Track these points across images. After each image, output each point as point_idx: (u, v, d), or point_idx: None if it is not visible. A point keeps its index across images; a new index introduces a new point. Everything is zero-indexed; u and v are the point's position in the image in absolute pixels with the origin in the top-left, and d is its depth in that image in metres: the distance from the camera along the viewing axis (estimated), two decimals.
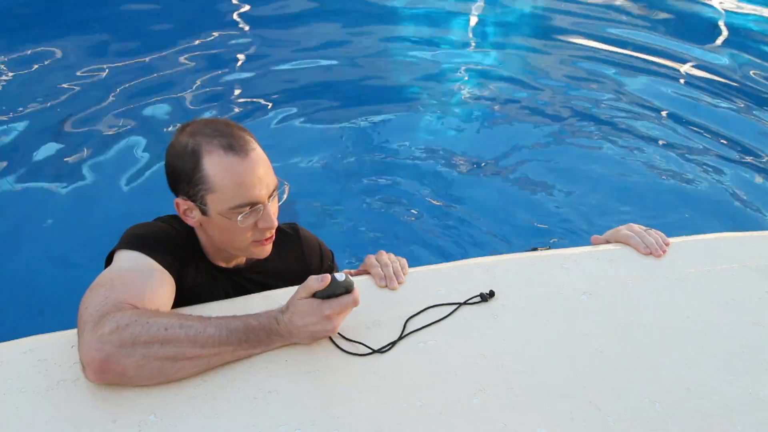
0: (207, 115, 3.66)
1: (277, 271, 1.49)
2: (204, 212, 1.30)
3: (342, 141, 3.62)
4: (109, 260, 1.30)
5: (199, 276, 1.40)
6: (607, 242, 1.67)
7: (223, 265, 1.45)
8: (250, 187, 1.26)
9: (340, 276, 1.17)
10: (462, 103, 4.19)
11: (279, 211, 1.37)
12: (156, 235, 1.33)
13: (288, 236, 1.57)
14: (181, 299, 1.31)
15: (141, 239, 1.30)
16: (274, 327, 1.18)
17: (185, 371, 1.13)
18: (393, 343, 1.26)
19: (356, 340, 1.26)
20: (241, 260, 1.48)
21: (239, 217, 1.27)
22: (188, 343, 1.11)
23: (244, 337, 1.16)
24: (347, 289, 1.17)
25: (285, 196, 1.38)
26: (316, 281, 1.16)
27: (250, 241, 1.33)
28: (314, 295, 1.16)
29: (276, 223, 1.33)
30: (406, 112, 3.94)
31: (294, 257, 1.56)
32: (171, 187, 1.34)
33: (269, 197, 1.30)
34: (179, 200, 1.32)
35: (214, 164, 1.25)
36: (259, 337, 1.18)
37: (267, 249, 1.38)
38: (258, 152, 1.29)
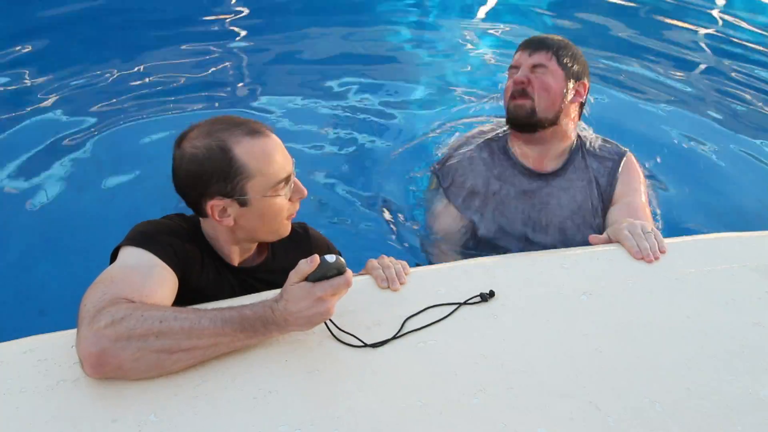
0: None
1: (285, 269, 1.48)
2: (243, 203, 1.31)
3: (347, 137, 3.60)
4: (114, 257, 1.31)
5: (205, 274, 1.40)
6: (608, 240, 1.67)
7: (232, 262, 1.45)
8: (282, 162, 1.33)
9: (330, 257, 1.17)
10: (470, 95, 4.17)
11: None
12: (162, 233, 1.33)
13: (297, 235, 1.58)
14: (187, 296, 1.32)
15: (146, 236, 1.30)
16: (270, 316, 1.18)
17: (182, 363, 1.13)
18: (387, 341, 1.27)
19: (352, 333, 1.26)
20: (249, 257, 1.49)
21: (284, 192, 1.33)
22: (183, 334, 1.11)
23: (240, 327, 1.16)
24: (339, 270, 1.17)
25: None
26: (306, 263, 1.17)
27: (285, 218, 1.38)
28: (307, 279, 1.17)
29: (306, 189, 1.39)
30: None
31: (302, 256, 1.56)
32: (196, 195, 1.32)
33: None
34: (214, 202, 1.30)
35: (247, 151, 1.28)
36: (255, 327, 1.17)
37: (290, 225, 1.43)
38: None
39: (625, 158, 2.05)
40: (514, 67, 2.00)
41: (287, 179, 1.34)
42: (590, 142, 2.08)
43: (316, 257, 1.17)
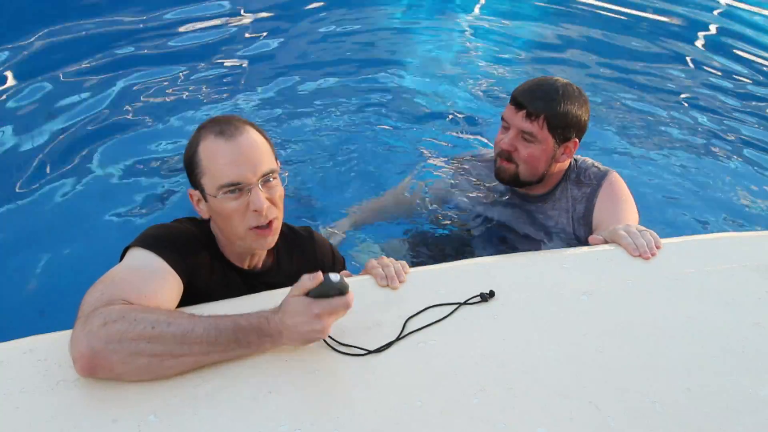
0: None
1: (290, 274, 1.49)
2: (205, 198, 1.36)
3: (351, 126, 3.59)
4: (123, 256, 1.31)
5: (214, 278, 1.40)
6: (605, 242, 1.68)
7: (239, 265, 1.45)
8: (232, 165, 1.30)
9: (334, 276, 1.14)
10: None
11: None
12: (172, 237, 1.34)
13: (302, 239, 1.59)
14: (194, 299, 1.32)
15: (156, 239, 1.30)
16: (265, 327, 1.16)
17: (174, 369, 1.12)
18: (390, 344, 1.26)
19: (352, 344, 1.25)
20: (257, 262, 1.49)
21: (226, 195, 1.31)
22: (175, 341, 1.10)
23: (233, 337, 1.15)
24: (341, 290, 1.14)
25: (284, 184, 1.40)
26: (309, 279, 1.14)
27: (247, 228, 1.34)
28: (308, 294, 1.15)
29: (263, 204, 1.31)
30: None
31: (307, 260, 1.57)
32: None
33: (260, 179, 1.32)
34: (190, 190, 1.41)
35: (205, 148, 1.33)
36: (249, 339, 1.16)
37: (267, 241, 1.37)
38: (249, 137, 1.33)
39: (605, 182, 1.96)
40: (505, 121, 1.93)
41: (234, 186, 1.30)
42: (578, 169, 2.03)
43: (320, 274, 1.14)
